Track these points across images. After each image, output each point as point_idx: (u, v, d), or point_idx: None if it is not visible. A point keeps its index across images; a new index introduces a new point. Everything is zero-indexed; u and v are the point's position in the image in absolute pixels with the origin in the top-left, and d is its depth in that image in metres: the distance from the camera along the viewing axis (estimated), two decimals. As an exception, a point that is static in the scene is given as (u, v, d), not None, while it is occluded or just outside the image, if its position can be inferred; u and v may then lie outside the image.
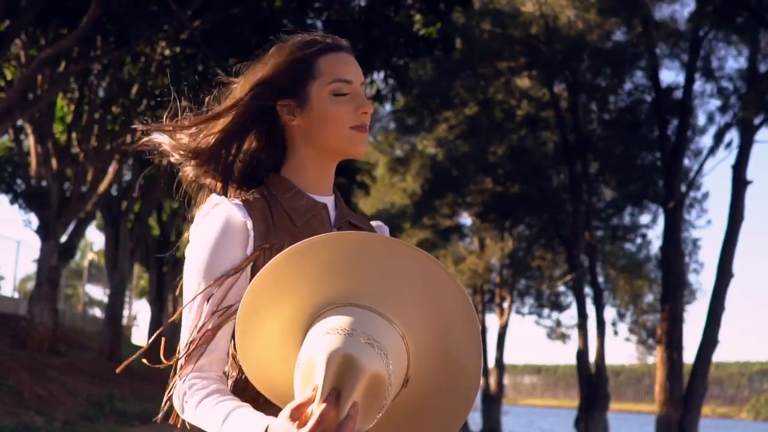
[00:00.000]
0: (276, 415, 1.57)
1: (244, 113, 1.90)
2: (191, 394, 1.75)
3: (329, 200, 1.93)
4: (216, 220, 1.80)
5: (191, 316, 1.80)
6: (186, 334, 1.80)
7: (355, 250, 1.59)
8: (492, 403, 37.49)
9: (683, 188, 25.48)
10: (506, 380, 54.47)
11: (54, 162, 16.91)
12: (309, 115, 1.86)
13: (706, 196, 31.01)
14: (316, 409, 1.48)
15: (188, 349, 1.77)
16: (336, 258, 1.59)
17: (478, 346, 1.60)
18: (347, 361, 1.48)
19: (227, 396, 1.73)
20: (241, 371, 1.80)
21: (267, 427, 1.56)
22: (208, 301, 1.78)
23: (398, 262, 1.58)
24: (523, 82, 28.70)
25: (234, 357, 1.81)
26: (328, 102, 1.84)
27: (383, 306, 1.57)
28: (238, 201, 1.83)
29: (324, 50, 1.87)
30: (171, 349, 1.83)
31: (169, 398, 1.82)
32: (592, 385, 26.61)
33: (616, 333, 38.47)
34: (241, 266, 1.77)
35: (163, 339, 1.86)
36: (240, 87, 1.92)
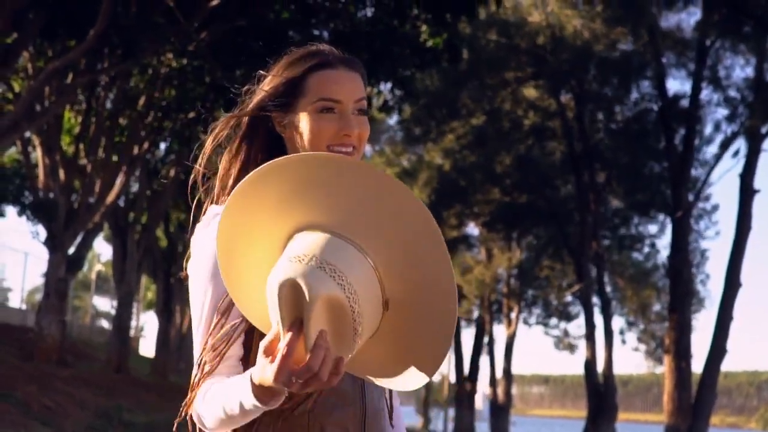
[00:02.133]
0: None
1: (246, 131, 1.92)
2: (200, 395, 1.76)
3: None
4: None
5: (201, 330, 1.81)
6: (198, 349, 1.80)
7: (318, 172, 1.56)
8: (500, 413, 37.36)
9: (691, 197, 25.45)
10: (514, 390, 54.38)
11: (62, 174, 16.94)
12: (295, 129, 1.86)
13: (716, 208, 30.90)
14: (281, 342, 1.47)
15: (201, 369, 1.78)
16: (300, 182, 1.57)
17: (447, 265, 1.54)
18: (294, 288, 1.46)
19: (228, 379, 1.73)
20: None
21: (251, 375, 1.57)
22: (216, 314, 1.78)
23: (360, 180, 1.54)
24: (530, 92, 28.70)
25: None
26: (312, 118, 1.83)
27: (341, 225, 1.55)
28: None
29: (316, 66, 1.86)
30: (178, 359, 1.83)
31: (187, 409, 1.82)
32: (600, 395, 26.54)
33: (624, 342, 38.34)
34: None
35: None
36: (242, 107, 1.94)
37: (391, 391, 1.97)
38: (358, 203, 1.55)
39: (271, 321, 1.54)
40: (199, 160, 1.92)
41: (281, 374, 1.47)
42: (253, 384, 1.57)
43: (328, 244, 1.51)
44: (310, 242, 1.52)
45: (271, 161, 1.57)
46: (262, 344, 1.52)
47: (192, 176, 1.93)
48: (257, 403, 1.59)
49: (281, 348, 1.47)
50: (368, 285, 1.53)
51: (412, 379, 1.60)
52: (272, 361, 1.49)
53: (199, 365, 1.79)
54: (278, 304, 1.48)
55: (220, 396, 1.69)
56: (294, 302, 1.48)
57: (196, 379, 1.78)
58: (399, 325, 1.59)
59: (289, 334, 1.47)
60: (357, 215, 1.55)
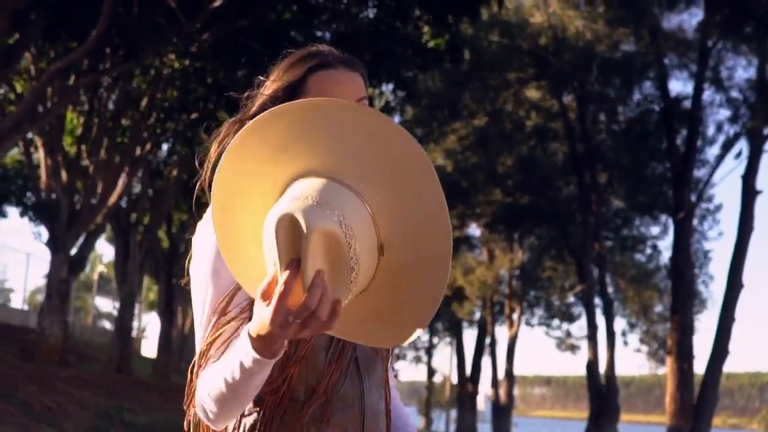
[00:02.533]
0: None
1: None
2: (200, 382, 1.75)
3: None
4: None
5: (202, 327, 1.81)
6: (199, 346, 1.80)
7: (320, 115, 1.53)
8: (502, 414, 37.35)
9: (693, 198, 25.43)
10: (516, 391, 54.34)
11: (64, 174, 16.94)
12: None
13: (719, 207, 30.82)
14: (279, 281, 1.45)
15: (200, 364, 1.78)
16: (298, 128, 1.54)
17: (444, 216, 1.52)
18: (292, 224, 1.44)
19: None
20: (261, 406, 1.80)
21: (248, 328, 1.56)
22: (217, 311, 1.78)
23: (360, 123, 1.53)
24: (532, 93, 28.68)
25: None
26: None
27: (339, 171, 1.53)
28: None
29: (316, 67, 1.86)
30: (180, 360, 1.83)
31: (190, 402, 1.81)
32: (602, 396, 26.52)
33: (626, 344, 38.23)
34: None
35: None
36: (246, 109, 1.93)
37: (387, 392, 1.96)
38: (357, 147, 1.53)
39: (267, 268, 1.51)
40: (206, 167, 1.91)
41: (278, 314, 1.44)
42: (251, 337, 1.54)
43: (325, 188, 1.50)
44: (307, 186, 1.50)
45: (267, 110, 1.55)
46: (259, 289, 1.48)
47: (196, 179, 1.92)
48: (257, 355, 1.55)
49: (278, 287, 1.44)
50: (364, 227, 1.51)
51: (404, 331, 1.58)
52: (269, 304, 1.46)
53: (200, 358, 1.78)
54: (275, 241, 1.45)
55: (219, 370, 1.66)
56: (291, 240, 1.45)
57: (196, 371, 1.77)
58: (392, 274, 1.57)
59: (286, 273, 1.44)
60: (355, 159, 1.53)
